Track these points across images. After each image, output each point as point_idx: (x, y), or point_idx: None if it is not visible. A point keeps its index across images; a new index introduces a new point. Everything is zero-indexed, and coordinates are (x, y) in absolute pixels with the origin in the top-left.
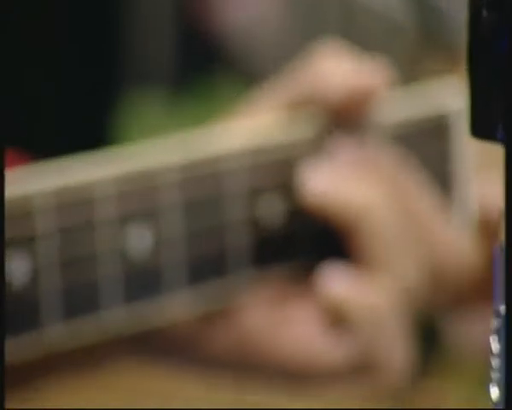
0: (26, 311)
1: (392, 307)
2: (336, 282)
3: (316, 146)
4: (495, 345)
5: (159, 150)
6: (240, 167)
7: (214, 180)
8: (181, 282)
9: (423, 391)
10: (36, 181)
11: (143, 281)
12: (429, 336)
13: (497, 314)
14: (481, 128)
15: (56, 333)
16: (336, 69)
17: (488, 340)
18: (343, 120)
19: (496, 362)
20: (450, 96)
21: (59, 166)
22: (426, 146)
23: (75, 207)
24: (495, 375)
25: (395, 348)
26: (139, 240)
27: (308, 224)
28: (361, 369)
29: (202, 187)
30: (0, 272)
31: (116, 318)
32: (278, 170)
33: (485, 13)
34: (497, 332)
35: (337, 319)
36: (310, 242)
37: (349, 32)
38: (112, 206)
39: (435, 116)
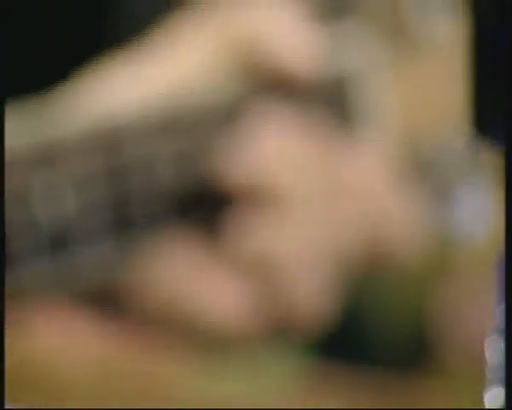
0: None
1: (309, 257)
2: (251, 233)
3: (232, 108)
4: (494, 347)
5: (71, 116)
6: (144, 132)
7: (117, 145)
8: (102, 241)
9: (422, 393)
10: None
11: (68, 242)
12: (420, 339)
13: (498, 316)
14: (482, 127)
15: None
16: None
17: (482, 343)
18: (267, 83)
19: (494, 365)
20: (350, 54)
21: None
22: (328, 106)
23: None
24: (492, 378)
25: (312, 297)
26: (62, 204)
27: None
28: (278, 318)
29: (106, 153)
30: (0, 267)
31: (43, 279)
32: (188, 132)
33: (485, 13)
34: (498, 334)
35: (252, 269)
36: (211, 200)
37: None
38: (32, 172)
39: (336, 76)
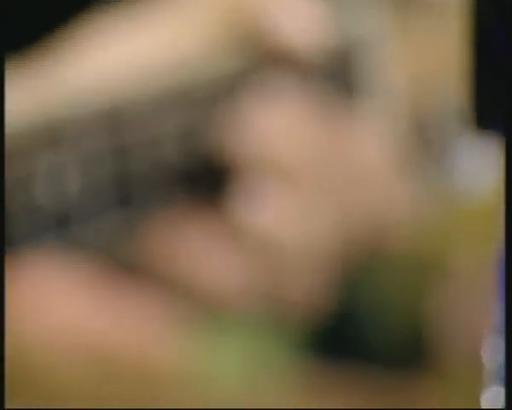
0: None
1: (310, 238)
2: (254, 208)
3: (235, 82)
4: (494, 347)
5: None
6: (148, 108)
7: (121, 122)
8: (107, 219)
9: (421, 393)
10: None
11: (73, 222)
12: (419, 339)
13: (498, 316)
14: (482, 121)
15: None
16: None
17: (482, 343)
18: (272, 59)
19: (493, 365)
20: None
21: None
22: (333, 78)
23: (9, 158)
24: (492, 378)
25: (307, 283)
26: (66, 185)
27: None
28: (272, 297)
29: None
30: (0, 272)
31: (48, 260)
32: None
33: (485, 13)
34: (498, 334)
35: (253, 244)
36: (209, 176)
37: None
38: (36, 154)
39: (341, 48)
